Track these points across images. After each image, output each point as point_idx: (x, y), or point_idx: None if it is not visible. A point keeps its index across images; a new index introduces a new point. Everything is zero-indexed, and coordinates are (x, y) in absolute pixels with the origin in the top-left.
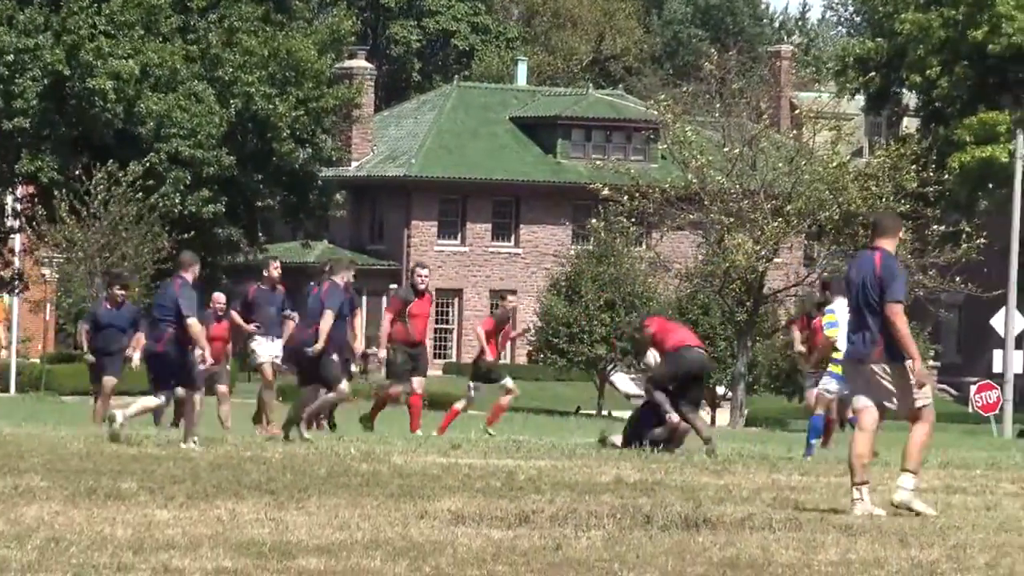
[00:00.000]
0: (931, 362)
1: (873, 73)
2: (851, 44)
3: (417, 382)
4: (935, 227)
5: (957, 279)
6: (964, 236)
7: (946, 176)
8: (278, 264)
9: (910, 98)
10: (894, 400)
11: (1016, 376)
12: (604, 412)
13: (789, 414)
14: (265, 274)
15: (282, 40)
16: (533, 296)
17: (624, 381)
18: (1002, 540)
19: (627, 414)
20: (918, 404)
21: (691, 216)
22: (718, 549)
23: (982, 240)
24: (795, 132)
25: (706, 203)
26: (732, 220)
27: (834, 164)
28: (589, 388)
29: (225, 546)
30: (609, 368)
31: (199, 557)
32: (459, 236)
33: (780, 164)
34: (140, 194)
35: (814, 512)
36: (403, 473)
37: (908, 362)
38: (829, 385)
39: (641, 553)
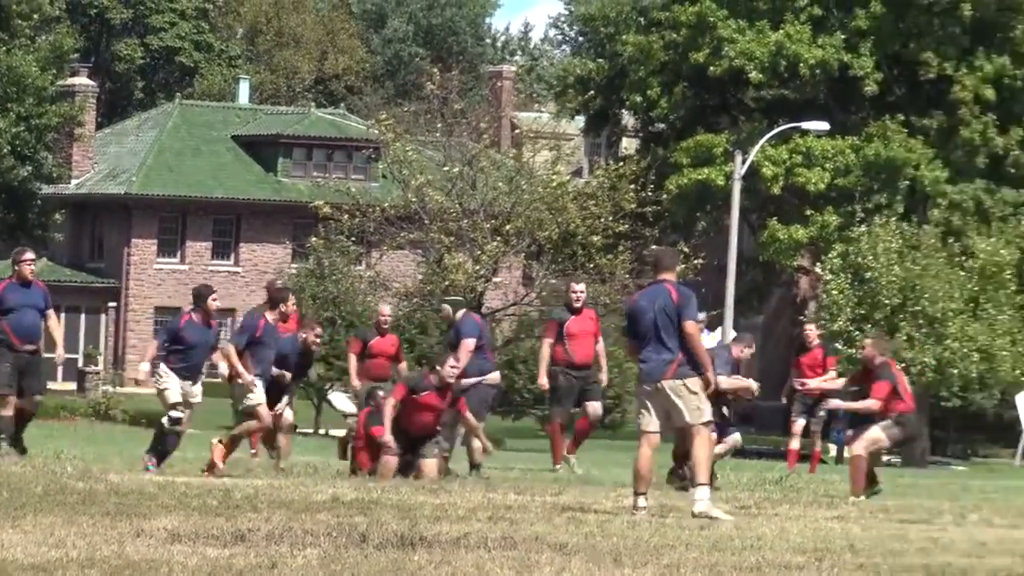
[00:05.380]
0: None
1: (593, 93)
2: (572, 64)
3: (592, 407)
4: (654, 247)
5: None
6: (682, 256)
7: (664, 197)
8: None
9: (629, 119)
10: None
11: None
12: (321, 431)
13: (504, 433)
14: None
15: (3, 56)
16: None
17: (342, 400)
18: (715, 559)
19: (343, 433)
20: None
21: (411, 235)
22: (433, 568)
23: (700, 260)
24: (515, 152)
25: (426, 222)
26: (452, 239)
27: (554, 184)
28: (306, 407)
29: None
30: (327, 387)
31: None
32: (179, 254)
33: (500, 184)
34: None
35: (529, 531)
36: (120, 491)
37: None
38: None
39: (356, 572)
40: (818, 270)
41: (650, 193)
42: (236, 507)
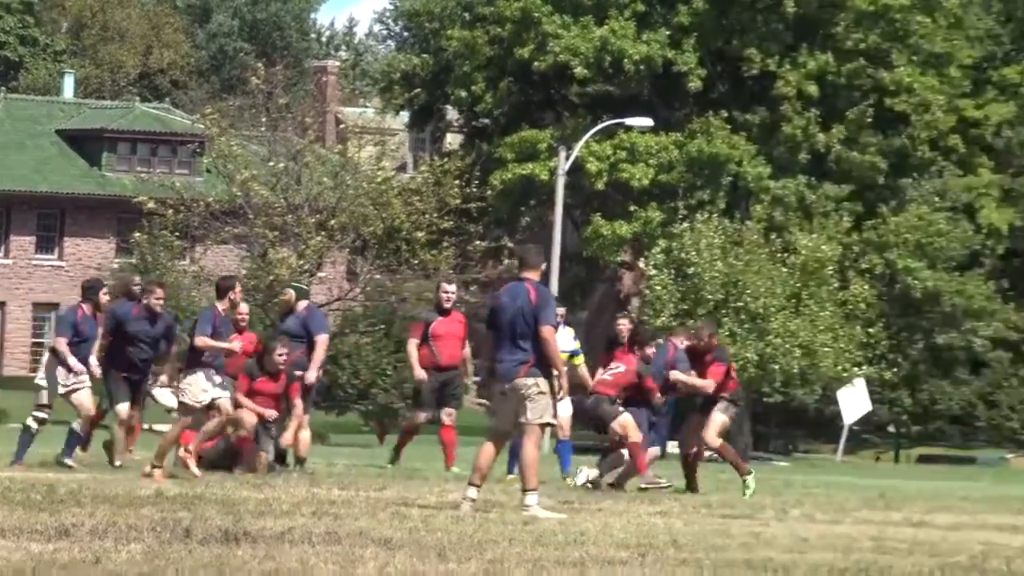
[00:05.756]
0: (474, 377)
1: (419, 89)
2: (397, 60)
3: (446, 413)
4: (478, 243)
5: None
6: (506, 252)
7: (489, 192)
8: None
9: (454, 114)
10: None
11: None
12: (145, 426)
13: (329, 428)
14: None
15: None
16: None
17: (166, 396)
18: (539, 554)
19: (168, 427)
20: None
21: (235, 230)
22: (257, 563)
23: None
24: (340, 147)
25: (251, 217)
26: (276, 234)
27: (378, 179)
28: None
29: None
30: (150, 382)
31: None
32: (2, 248)
33: (325, 179)
34: None
35: (354, 526)
36: None
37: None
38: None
39: (180, 567)
40: (641, 266)
41: (474, 189)
42: (60, 502)
